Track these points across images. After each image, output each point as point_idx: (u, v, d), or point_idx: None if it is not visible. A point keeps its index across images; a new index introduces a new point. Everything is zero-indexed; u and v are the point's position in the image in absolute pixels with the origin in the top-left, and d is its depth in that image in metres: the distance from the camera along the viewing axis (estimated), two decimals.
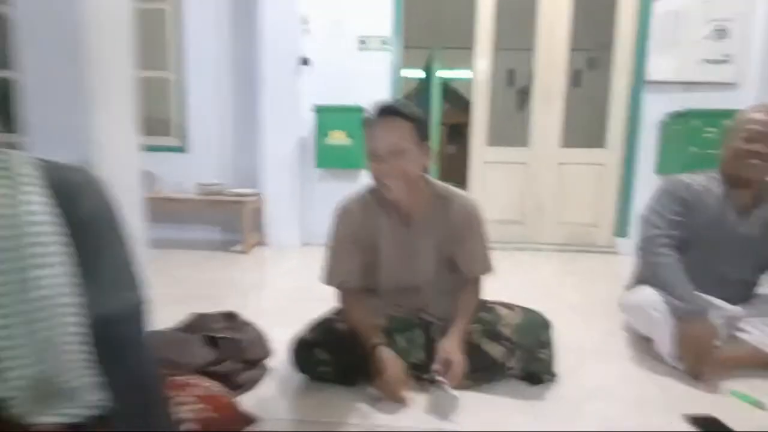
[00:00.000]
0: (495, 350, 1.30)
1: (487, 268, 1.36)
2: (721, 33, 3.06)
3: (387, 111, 1.20)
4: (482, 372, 1.29)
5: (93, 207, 0.67)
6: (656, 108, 3.19)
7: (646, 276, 1.61)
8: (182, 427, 0.74)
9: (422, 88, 5.75)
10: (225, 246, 3.30)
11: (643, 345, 1.63)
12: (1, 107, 0.60)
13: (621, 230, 3.42)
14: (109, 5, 1.39)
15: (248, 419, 0.93)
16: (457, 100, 7.04)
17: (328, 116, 3.26)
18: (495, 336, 1.31)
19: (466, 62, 3.77)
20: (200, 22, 3.39)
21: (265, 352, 1.39)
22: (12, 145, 0.60)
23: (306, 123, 3.32)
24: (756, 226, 1.52)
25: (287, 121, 3.28)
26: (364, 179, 3.34)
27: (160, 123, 3.50)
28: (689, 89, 3.14)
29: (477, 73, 3.50)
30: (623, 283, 1.81)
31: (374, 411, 1.21)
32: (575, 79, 4.03)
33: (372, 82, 3.35)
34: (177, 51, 3.45)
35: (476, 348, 1.29)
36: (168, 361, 1.07)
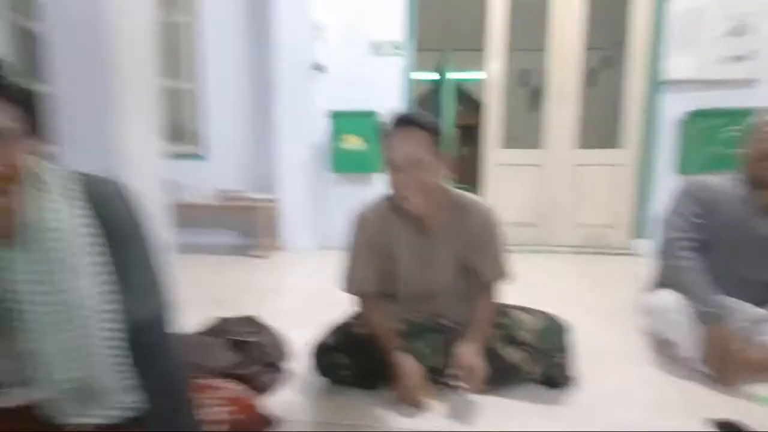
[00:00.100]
0: (513, 355, 1.30)
1: (504, 274, 1.36)
2: (740, 29, 3.00)
3: (404, 121, 1.20)
4: (501, 377, 1.30)
5: (124, 217, 0.70)
6: (674, 107, 3.14)
7: (666, 279, 1.59)
8: (209, 428, 0.77)
9: (434, 90, 5.77)
10: (242, 250, 3.36)
11: (662, 348, 1.61)
12: (34, 117, 0.64)
13: (639, 232, 3.37)
14: (134, 19, 1.45)
15: (270, 421, 0.96)
16: (469, 101, 7.03)
17: (342, 121, 3.29)
18: (513, 341, 1.31)
19: (479, 64, 3.77)
20: (218, 33, 3.47)
21: (285, 355, 1.42)
22: (45, 155, 0.64)
23: (321, 128, 3.37)
24: None
25: (302, 127, 3.33)
26: (379, 183, 3.37)
27: (179, 131, 3.58)
28: (708, 87, 3.09)
29: (489, 75, 3.49)
30: (641, 286, 1.79)
31: (393, 414, 1.22)
32: (590, 78, 3.98)
33: (385, 86, 3.38)
34: (195, 61, 3.53)
35: (494, 353, 1.30)
36: (192, 364, 1.10)
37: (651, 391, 1.37)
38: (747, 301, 1.51)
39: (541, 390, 1.34)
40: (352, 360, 1.31)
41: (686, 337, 1.45)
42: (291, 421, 1.16)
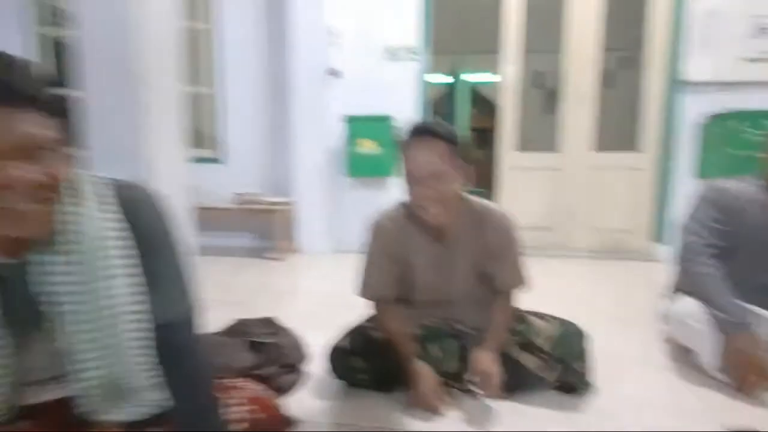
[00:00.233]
0: (530, 362, 1.30)
1: (522, 282, 1.35)
2: (761, 30, 2.94)
3: (422, 131, 1.19)
4: (517, 383, 1.29)
5: (155, 222, 0.73)
6: (694, 109, 3.09)
7: (685, 285, 1.57)
8: (232, 427, 0.79)
9: (449, 93, 5.77)
10: (259, 253, 3.41)
11: (682, 355, 1.59)
12: (71, 126, 0.67)
13: (658, 236, 3.32)
14: (160, 28, 1.50)
15: (290, 421, 0.98)
16: (484, 104, 7.01)
17: (357, 126, 3.33)
18: (530, 347, 1.31)
19: (493, 66, 3.76)
20: (236, 40, 3.54)
21: (302, 357, 1.44)
22: (79, 162, 0.67)
23: (336, 133, 3.41)
24: None
25: (318, 131, 3.37)
26: (394, 187, 3.38)
27: (199, 135, 3.66)
28: (728, 89, 3.03)
29: (504, 77, 3.48)
30: (660, 292, 1.77)
31: (410, 418, 1.24)
32: (607, 79, 3.93)
33: (400, 90, 3.40)
34: (214, 67, 3.61)
35: (511, 359, 1.29)
36: (214, 364, 1.13)
37: (669, 398, 1.36)
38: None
39: (558, 396, 1.33)
40: (369, 364, 1.32)
41: (706, 344, 1.42)
42: (308, 422, 1.18)
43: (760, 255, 1.48)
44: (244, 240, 3.70)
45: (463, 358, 1.32)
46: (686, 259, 1.54)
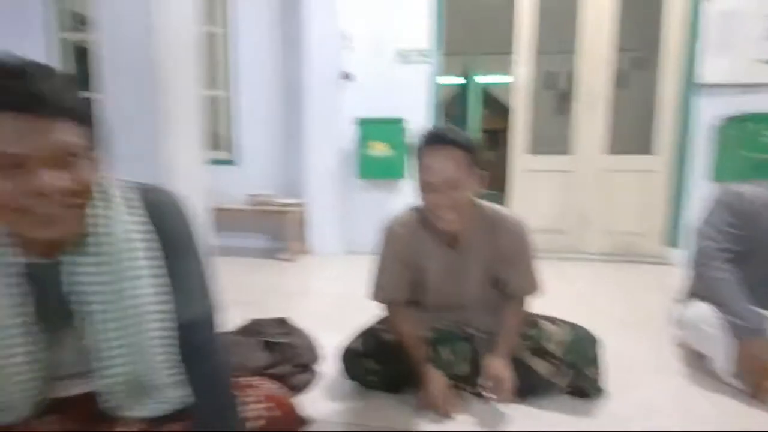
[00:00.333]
0: (541, 367, 1.30)
1: (535, 288, 1.35)
2: None
3: (439, 139, 1.18)
4: (529, 387, 1.30)
5: (178, 225, 0.76)
6: (709, 111, 3.06)
7: (699, 290, 1.56)
8: (249, 424, 0.82)
9: (460, 94, 5.77)
10: (270, 253, 3.45)
11: (696, 361, 1.58)
12: (98, 132, 0.70)
13: (672, 240, 3.28)
14: (181, 33, 1.54)
15: (304, 420, 1.00)
16: (496, 105, 6.99)
17: (369, 128, 3.35)
18: (541, 352, 1.31)
19: (506, 67, 3.76)
20: (250, 44, 3.60)
21: (315, 357, 1.47)
22: (104, 167, 0.70)
23: (348, 135, 3.44)
24: None
25: (330, 134, 3.41)
26: (404, 189, 3.40)
27: (213, 138, 3.72)
28: (744, 92, 2.99)
29: (516, 78, 3.47)
30: (674, 296, 1.76)
31: (421, 419, 1.25)
32: (621, 80, 3.89)
33: (412, 93, 3.42)
34: (229, 70, 3.67)
35: (523, 364, 1.30)
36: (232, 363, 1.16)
37: (682, 404, 1.35)
38: None
39: (570, 400, 1.33)
40: (380, 366, 1.34)
41: (720, 350, 1.41)
42: (320, 421, 1.20)
43: None
44: (256, 241, 3.75)
45: (474, 362, 1.33)
46: (700, 263, 1.52)
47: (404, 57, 3.40)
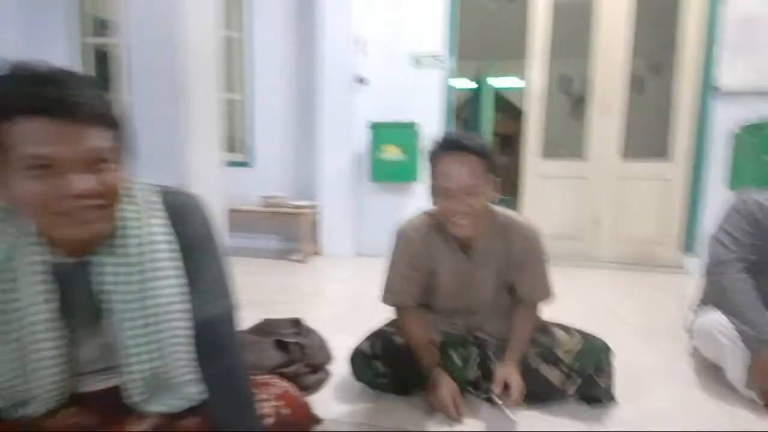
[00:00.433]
0: (552, 374, 1.30)
1: (547, 294, 1.35)
2: None
3: (456, 145, 1.18)
4: (538, 394, 1.29)
5: (199, 226, 0.79)
6: (727, 117, 3.01)
7: (714, 299, 1.54)
8: (263, 422, 0.84)
9: (473, 98, 5.76)
10: (283, 254, 3.49)
11: (710, 371, 1.56)
12: (125, 136, 0.73)
13: (687, 248, 3.23)
14: (202, 37, 1.57)
15: (316, 419, 1.02)
16: (508, 109, 6.96)
17: (382, 132, 3.37)
18: (552, 360, 1.30)
19: (519, 70, 3.74)
20: (267, 48, 3.66)
21: (328, 358, 1.49)
22: (130, 170, 0.73)
23: (361, 138, 3.46)
24: None
25: (343, 137, 3.44)
26: (416, 192, 3.41)
27: (228, 140, 3.78)
28: (763, 97, 2.93)
29: (530, 83, 3.46)
30: (688, 305, 1.74)
31: (429, 422, 1.26)
32: (636, 85, 3.84)
33: (424, 96, 3.44)
34: (245, 74, 3.73)
35: (533, 371, 1.29)
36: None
37: (697, 415, 1.34)
38: None
39: (580, 407, 1.33)
40: (390, 369, 1.35)
41: (733, 360, 1.40)
42: (330, 421, 1.21)
43: None
44: (269, 242, 3.80)
45: (484, 367, 1.33)
46: (715, 271, 1.50)
47: (418, 61, 3.42)
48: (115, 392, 0.78)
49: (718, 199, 2.94)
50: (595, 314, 2.22)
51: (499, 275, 1.33)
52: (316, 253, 3.52)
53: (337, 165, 3.46)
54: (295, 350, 1.39)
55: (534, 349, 1.32)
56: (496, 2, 4.85)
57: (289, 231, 3.62)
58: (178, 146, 1.46)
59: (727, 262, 1.47)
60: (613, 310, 2.36)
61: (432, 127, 3.39)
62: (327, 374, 1.47)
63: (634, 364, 1.58)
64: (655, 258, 3.33)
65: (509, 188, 3.85)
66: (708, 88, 3.06)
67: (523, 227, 1.31)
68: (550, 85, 3.47)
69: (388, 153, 3.37)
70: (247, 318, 1.59)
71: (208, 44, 1.60)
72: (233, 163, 3.75)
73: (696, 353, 1.67)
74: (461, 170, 1.16)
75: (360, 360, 1.39)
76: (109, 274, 0.72)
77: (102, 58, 3.77)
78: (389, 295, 1.37)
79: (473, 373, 1.35)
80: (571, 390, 1.30)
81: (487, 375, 1.30)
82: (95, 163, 0.64)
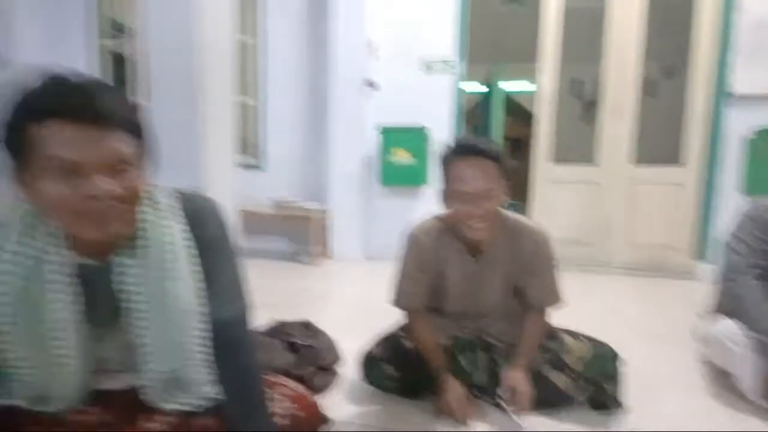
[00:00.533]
0: (560, 380, 1.30)
1: (556, 299, 1.35)
2: None
3: (471, 150, 1.20)
4: (547, 400, 1.30)
5: (215, 229, 0.82)
6: (740, 123, 2.98)
7: (726, 306, 1.53)
8: (275, 421, 0.86)
9: (484, 102, 5.76)
10: (293, 257, 3.52)
11: (720, 379, 1.55)
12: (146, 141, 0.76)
13: (700, 254, 3.20)
14: (219, 42, 1.61)
15: (326, 420, 1.03)
16: (519, 113, 6.94)
17: (392, 136, 3.40)
18: (560, 366, 1.31)
19: (530, 74, 3.73)
20: (279, 52, 3.70)
21: (337, 359, 1.50)
22: (150, 174, 0.75)
23: (371, 142, 3.49)
24: None
25: (354, 141, 3.47)
26: (426, 196, 3.42)
27: (241, 143, 3.83)
28: None
29: (541, 87, 3.45)
30: (700, 312, 1.72)
31: (437, 425, 1.27)
32: (649, 89, 3.80)
33: (435, 100, 3.45)
34: (258, 78, 3.78)
35: (541, 376, 1.30)
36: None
37: (705, 423, 1.33)
38: None
39: (588, 413, 1.33)
40: (399, 372, 1.36)
41: (746, 368, 1.38)
42: (339, 422, 1.23)
43: None
44: (280, 244, 3.83)
45: (493, 372, 1.34)
46: (728, 278, 1.50)
47: (428, 66, 3.44)
48: (133, 391, 0.80)
49: (730, 205, 2.91)
50: (605, 320, 2.21)
51: (508, 279, 1.34)
52: (326, 256, 3.54)
53: (347, 168, 3.49)
54: (305, 352, 1.40)
55: (543, 355, 1.32)
56: (507, 6, 4.85)
57: (300, 234, 3.65)
58: (194, 148, 1.49)
59: (740, 270, 1.46)
60: (623, 315, 2.35)
61: (442, 131, 3.40)
62: (336, 375, 1.49)
63: (644, 371, 1.57)
64: (666, 264, 3.29)
65: (520, 193, 3.84)
66: (721, 93, 3.03)
67: (532, 232, 1.31)
68: (561, 89, 3.46)
69: (398, 157, 3.39)
70: (258, 320, 1.62)
71: (224, 49, 1.63)
72: (246, 166, 3.80)
73: (707, 361, 1.66)
74: (477, 174, 1.18)
75: (369, 362, 1.40)
76: (132, 276, 0.74)
77: (118, 60, 3.84)
78: (399, 299, 1.38)
79: (482, 378, 1.35)
80: (581, 396, 1.30)
81: (496, 380, 1.31)
82: (117, 166, 0.66)
